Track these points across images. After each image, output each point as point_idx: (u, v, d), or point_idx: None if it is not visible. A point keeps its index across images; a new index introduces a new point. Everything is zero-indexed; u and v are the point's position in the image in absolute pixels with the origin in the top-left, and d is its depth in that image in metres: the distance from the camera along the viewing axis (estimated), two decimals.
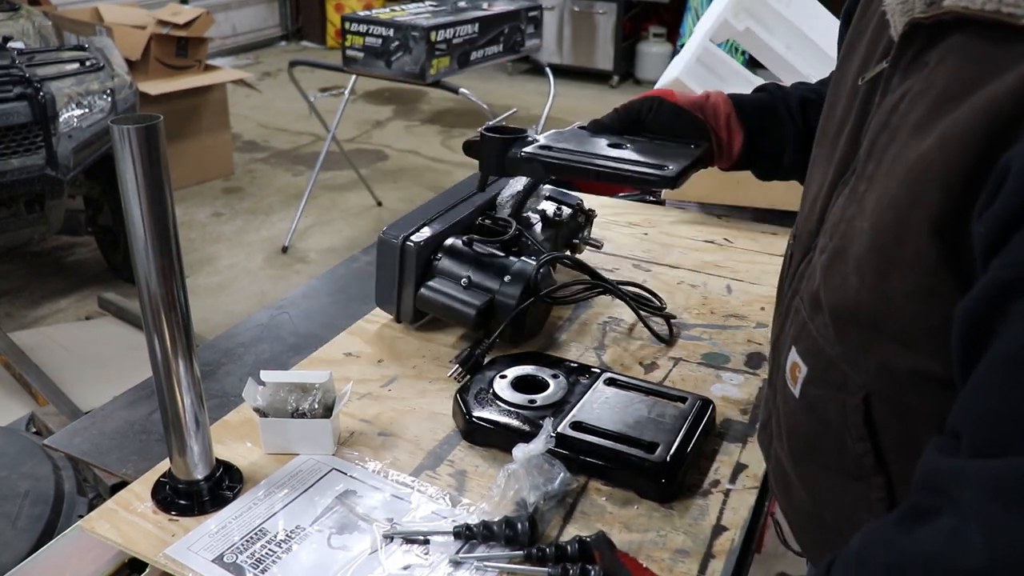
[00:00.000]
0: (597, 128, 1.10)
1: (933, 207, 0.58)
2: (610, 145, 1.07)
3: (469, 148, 1.08)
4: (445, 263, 1.30)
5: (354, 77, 3.95)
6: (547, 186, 1.50)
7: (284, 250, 4.02)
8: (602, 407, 1.09)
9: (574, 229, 1.52)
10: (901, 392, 0.66)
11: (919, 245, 0.60)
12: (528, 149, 1.05)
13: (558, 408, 1.08)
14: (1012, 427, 0.50)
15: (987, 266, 0.54)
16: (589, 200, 1.61)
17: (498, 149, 1.07)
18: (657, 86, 1.81)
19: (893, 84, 0.68)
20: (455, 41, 3.44)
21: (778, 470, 0.85)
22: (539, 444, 0.96)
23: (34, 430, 2.14)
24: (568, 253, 1.52)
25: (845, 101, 0.79)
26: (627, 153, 1.04)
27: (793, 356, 0.78)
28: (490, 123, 1.05)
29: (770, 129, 1.09)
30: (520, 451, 0.96)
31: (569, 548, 0.87)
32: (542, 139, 1.08)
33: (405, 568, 0.88)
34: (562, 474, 0.96)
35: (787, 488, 0.84)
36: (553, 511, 0.96)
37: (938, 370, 0.60)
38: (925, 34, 0.64)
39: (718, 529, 0.95)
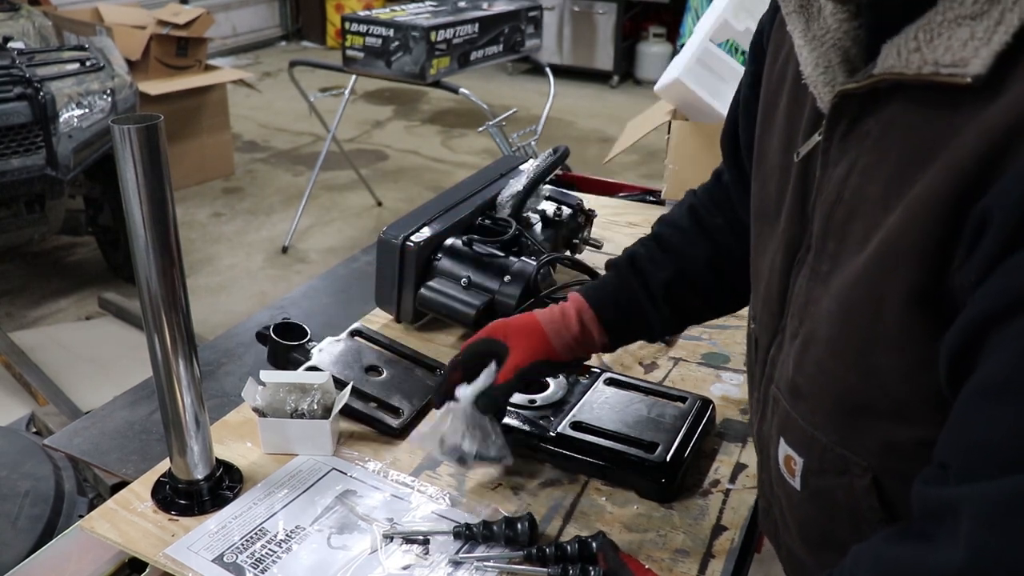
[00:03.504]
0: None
1: (911, 276, 0.56)
2: (369, 369, 1.17)
3: (261, 338, 1.21)
4: (445, 263, 1.30)
5: (354, 77, 3.94)
6: (547, 186, 1.50)
7: (284, 250, 4.02)
8: (602, 407, 1.09)
9: (574, 229, 1.52)
10: (911, 464, 0.62)
11: (901, 318, 0.58)
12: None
13: (558, 408, 1.08)
14: (996, 452, 0.50)
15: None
16: (589, 200, 1.61)
17: (280, 351, 1.18)
18: (658, 86, 1.81)
19: (832, 156, 0.65)
20: (455, 41, 3.44)
21: (792, 561, 0.81)
22: (481, 381, 0.96)
23: (34, 430, 2.14)
24: (568, 253, 1.52)
25: (778, 176, 0.76)
26: (377, 384, 1.14)
27: (784, 448, 0.74)
28: (282, 321, 1.21)
29: (633, 326, 1.01)
30: (463, 392, 0.96)
31: (569, 548, 0.87)
32: (321, 346, 1.18)
33: (405, 568, 0.88)
34: (499, 442, 0.97)
35: (798, 572, 0.81)
36: (553, 511, 0.96)
37: None
38: (857, 103, 0.62)
39: (718, 529, 0.95)
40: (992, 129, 0.51)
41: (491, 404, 0.97)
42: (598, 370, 1.17)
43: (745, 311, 1.39)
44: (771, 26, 0.81)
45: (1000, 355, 0.50)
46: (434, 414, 0.99)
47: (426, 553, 0.90)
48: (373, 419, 1.09)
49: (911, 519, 0.63)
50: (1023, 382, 0.49)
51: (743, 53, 3.39)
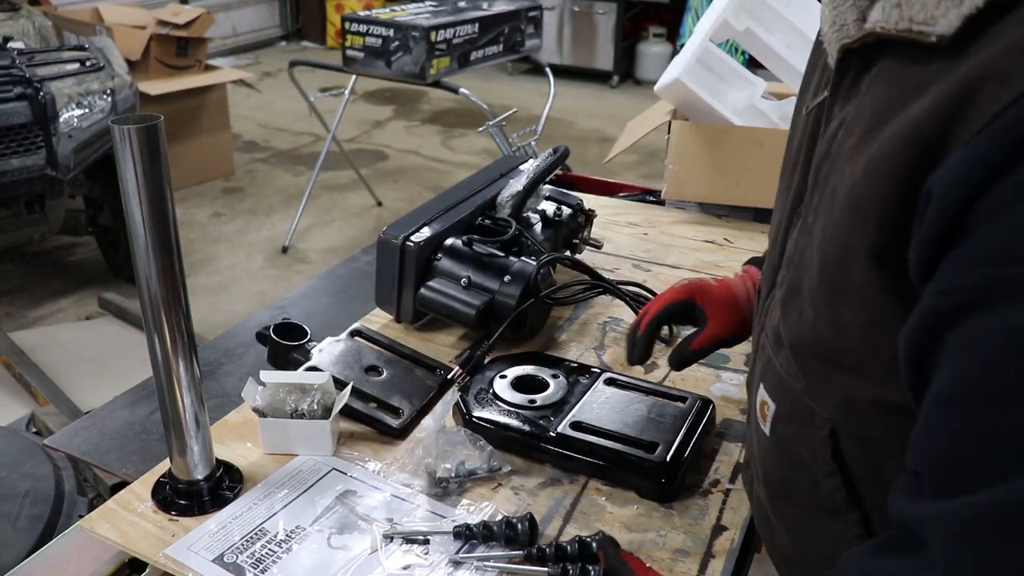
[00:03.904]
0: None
1: (869, 236, 0.57)
2: (369, 369, 1.17)
3: (261, 339, 1.21)
4: (445, 263, 1.30)
5: (354, 77, 3.94)
6: (547, 186, 1.50)
7: (284, 250, 4.02)
8: (602, 407, 1.09)
9: (574, 229, 1.52)
10: (866, 424, 0.65)
11: (864, 275, 0.59)
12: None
13: (558, 408, 1.08)
14: (962, 467, 0.50)
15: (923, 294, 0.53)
16: (589, 200, 1.61)
17: (280, 351, 1.18)
18: (657, 86, 1.81)
19: (834, 112, 0.67)
20: (455, 41, 3.44)
21: (760, 511, 0.84)
22: (439, 414, 1.01)
23: (34, 430, 2.14)
24: (568, 253, 1.52)
25: (799, 132, 0.78)
26: (377, 384, 1.15)
27: (762, 394, 0.76)
28: (282, 321, 1.20)
29: None
30: (429, 421, 1.01)
31: (569, 548, 0.87)
32: (321, 346, 1.18)
33: (405, 568, 0.88)
34: (487, 452, 1.00)
35: (769, 530, 0.83)
36: (553, 511, 0.96)
37: (899, 399, 0.59)
38: (857, 59, 0.63)
39: (718, 529, 0.95)
40: (949, 93, 0.51)
41: (682, 364, 1.07)
42: (598, 370, 1.17)
43: None
44: None
45: (958, 362, 0.50)
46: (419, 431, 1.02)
47: (426, 553, 0.90)
48: (373, 419, 1.09)
49: (862, 477, 0.67)
50: (983, 391, 0.49)
51: (743, 53, 3.38)
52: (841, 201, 0.61)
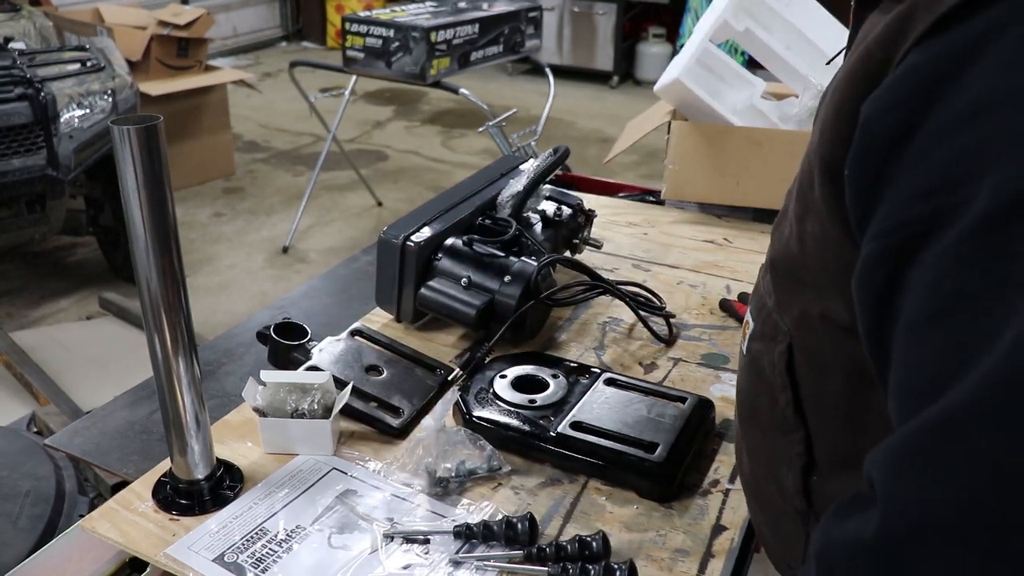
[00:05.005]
0: None
1: (826, 149, 0.59)
2: (369, 368, 1.17)
3: (261, 338, 1.21)
4: (445, 263, 1.30)
5: (354, 77, 3.95)
6: (547, 186, 1.50)
7: (284, 250, 4.02)
8: (602, 407, 1.09)
9: (574, 229, 1.52)
10: (815, 339, 0.67)
11: (820, 189, 0.61)
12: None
13: (558, 408, 1.08)
14: (908, 396, 0.48)
15: (862, 221, 0.54)
16: (589, 200, 1.61)
17: (281, 351, 1.17)
18: (657, 86, 1.81)
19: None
20: (455, 42, 3.44)
21: (737, 438, 0.86)
22: (440, 413, 1.01)
23: (35, 430, 2.14)
24: (568, 254, 1.52)
25: None
26: (377, 383, 1.15)
27: (748, 315, 0.79)
28: (282, 321, 1.20)
29: None
30: (430, 420, 1.01)
31: (569, 548, 0.87)
32: (321, 346, 1.18)
33: (405, 568, 0.88)
34: (487, 451, 1.01)
35: (739, 457, 0.85)
36: (553, 511, 0.96)
37: (842, 315, 0.61)
38: (867, 10, 0.66)
39: (718, 529, 0.95)
40: (895, 16, 0.54)
41: None
42: (598, 370, 1.17)
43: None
44: None
45: (919, 293, 0.48)
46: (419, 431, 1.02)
47: (426, 553, 0.90)
48: (373, 419, 1.09)
49: (808, 394, 0.69)
50: (941, 310, 0.47)
51: (743, 53, 3.38)
52: (817, 121, 0.64)
